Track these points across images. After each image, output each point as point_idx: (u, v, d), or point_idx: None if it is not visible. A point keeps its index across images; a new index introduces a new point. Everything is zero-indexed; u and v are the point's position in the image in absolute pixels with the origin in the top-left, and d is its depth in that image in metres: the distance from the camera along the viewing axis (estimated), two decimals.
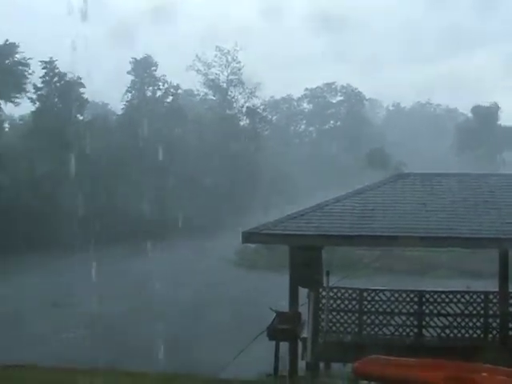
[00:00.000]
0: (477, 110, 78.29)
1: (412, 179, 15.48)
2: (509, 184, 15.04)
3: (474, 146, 72.03)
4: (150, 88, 75.76)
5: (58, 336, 21.85)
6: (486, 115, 75.08)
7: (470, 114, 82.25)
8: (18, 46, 65.52)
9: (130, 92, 76.01)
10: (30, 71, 67.09)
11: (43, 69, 64.13)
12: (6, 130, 67.56)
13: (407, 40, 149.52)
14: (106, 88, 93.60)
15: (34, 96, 64.73)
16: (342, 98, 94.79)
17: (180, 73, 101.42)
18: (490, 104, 77.51)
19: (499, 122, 78.33)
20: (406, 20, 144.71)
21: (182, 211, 57.28)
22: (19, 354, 17.33)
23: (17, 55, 66.40)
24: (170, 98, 75.81)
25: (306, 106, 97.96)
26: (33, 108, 65.05)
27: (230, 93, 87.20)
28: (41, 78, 64.31)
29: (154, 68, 74.94)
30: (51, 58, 64.11)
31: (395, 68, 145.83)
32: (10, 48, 65.78)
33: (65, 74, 64.31)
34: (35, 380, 12.00)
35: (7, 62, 65.95)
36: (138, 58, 74.58)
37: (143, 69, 74.27)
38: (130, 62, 74.85)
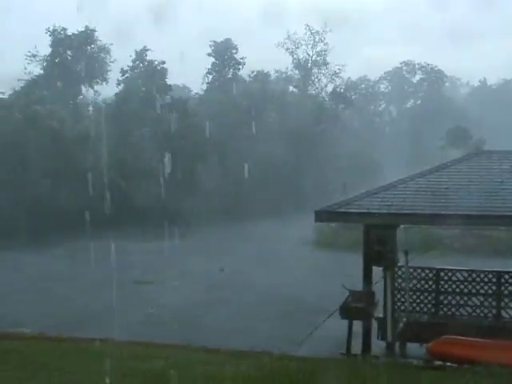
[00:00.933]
0: None
1: (488, 157, 15.15)
2: None
3: None
4: (231, 70, 76.34)
5: None
6: None
7: None
8: (96, 31, 67.10)
9: (211, 74, 76.82)
10: (112, 59, 68.88)
11: (135, 55, 65.65)
12: (90, 112, 69.26)
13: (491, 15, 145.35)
14: (188, 72, 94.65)
15: (120, 78, 66.31)
16: (421, 76, 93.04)
17: (268, 52, 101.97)
18: None
19: None
20: None
21: (267, 192, 57.82)
22: None
23: (98, 42, 68.14)
24: (252, 80, 76.32)
25: (385, 85, 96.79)
26: (116, 91, 66.60)
27: (313, 73, 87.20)
28: (130, 64, 65.90)
29: (234, 51, 75.50)
30: (145, 46, 65.57)
31: (478, 44, 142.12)
32: (90, 35, 67.47)
33: (151, 61, 65.65)
34: (109, 353, 12.36)
35: (89, 48, 67.68)
36: (218, 41, 75.22)
37: (224, 51, 74.92)
38: (210, 45, 75.54)
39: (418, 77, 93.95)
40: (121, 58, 67.82)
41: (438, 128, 71.29)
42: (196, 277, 27.11)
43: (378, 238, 13.51)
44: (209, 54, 76.08)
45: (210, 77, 77.13)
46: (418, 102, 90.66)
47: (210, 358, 12.59)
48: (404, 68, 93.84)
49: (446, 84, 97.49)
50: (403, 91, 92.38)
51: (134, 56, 66.13)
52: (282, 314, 20.42)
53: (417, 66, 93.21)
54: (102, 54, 68.96)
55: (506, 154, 15.29)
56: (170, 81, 66.50)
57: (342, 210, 13.41)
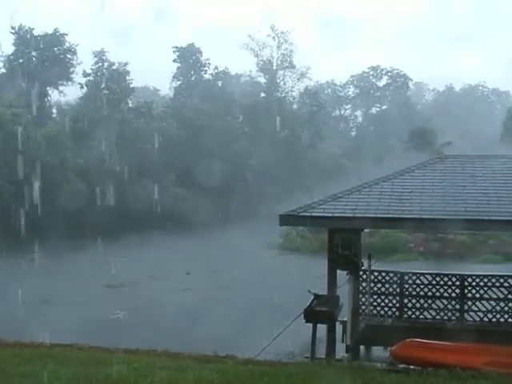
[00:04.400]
0: None
1: (452, 161, 15.25)
2: None
3: None
4: (196, 74, 76.23)
5: None
6: None
7: None
8: (66, 35, 66.67)
9: (177, 78, 76.73)
10: (78, 61, 68.42)
11: (95, 57, 65.26)
12: (54, 115, 68.68)
13: (455, 22, 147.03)
14: (155, 74, 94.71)
15: (83, 81, 65.92)
16: (388, 81, 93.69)
17: (231, 55, 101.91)
18: None
19: None
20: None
21: (234, 197, 57.73)
22: None
23: (65, 44, 67.66)
24: (219, 82, 76.23)
25: (351, 90, 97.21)
26: (80, 94, 66.20)
27: (279, 75, 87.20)
28: (91, 66, 65.50)
29: (198, 54, 75.38)
30: (102, 48, 65.28)
31: (443, 50, 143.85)
32: (58, 37, 66.96)
33: (112, 63, 65.30)
34: (76, 359, 12.21)
35: (56, 50, 67.16)
36: (183, 46, 75.18)
37: (188, 56, 74.82)
38: (174, 51, 75.44)
39: (384, 81, 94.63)
40: (87, 61, 67.55)
41: (403, 132, 71.91)
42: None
43: (342, 242, 13.51)
44: (174, 61, 76.05)
45: (176, 80, 77.04)
46: (384, 107, 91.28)
47: (172, 362, 12.45)
48: (371, 73, 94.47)
49: (412, 89, 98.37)
50: (369, 96, 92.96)
51: (96, 59, 65.83)
52: (246, 317, 20.39)
53: (384, 71, 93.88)
54: (68, 55, 68.36)
55: (469, 159, 15.44)
56: (136, 83, 66.49)
57: (307, 213, 13.38)
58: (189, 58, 74.92)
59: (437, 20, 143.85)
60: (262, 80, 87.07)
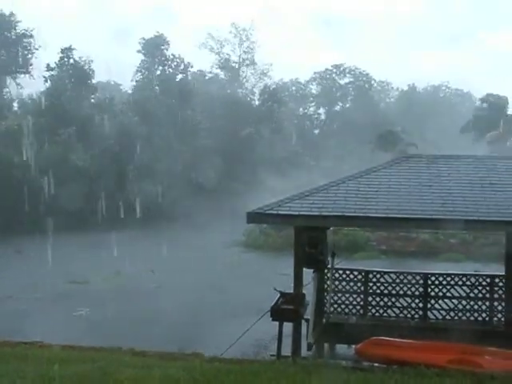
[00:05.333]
0: (488, 97, 77.92)
1: (417, 161, 15.40)
2: None
3: (485, 132, 71.52)
4: (161, 67, 75.49)
5: None
6: (497, 103, 74.68)
7: (479, 101, 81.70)
8: (20, 21, 65.25)
9: (141, 72, 75.85)
10: (37, 46, 66.89)
11: (61, 53, 64.18)
12: (15, 109, 67.56)
13: (421, 24, 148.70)
14: (118, 68, 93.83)
15: (47, 75, 64.81)
16: (351, 79, 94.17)
17: (193, 52, 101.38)
18: (500, 94, 77.13)
19: (509, 111, 77.77)
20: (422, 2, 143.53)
21: (195, 195, 57.42)
22: None
23: (20, 28, 66.16)
24: (180, 76, 75.52)
25: (314, 88, 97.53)
26: (42, 88, 65.18)
27: (241, 73, 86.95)
28: (57, 62, 64.41)
29: (164, 47, 74.60)
30: (70, 45, 64.27)
31: (407, 51, 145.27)
32: (13, 20, 65.57)
33: (77, 60, 64.40)
34: (40, 357, 12.02)
35: (11, 33, 65.70)
36: (148, 38, 74.31)
37: (154, 48, 73.99)
38: (140, 43, 74.64)
39: (347, 80, 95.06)
40: (48, 52, 66.29)
41: (367, 131, 72.41)
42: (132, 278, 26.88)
43: (308, 240, 13.55)
44: (138, 51, 75.10)
45: (140, 74, 76.18)
46: (347, 105, 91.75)
47: (138, 360, 12.35)
48: (334, 71, 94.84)
49: (376, 87, 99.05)
50: (332, 94, 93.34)
51: (60, 53, 64.78)
52: (211, 315, 20.35)
53: (347, 70, 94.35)
54: (24, 40, 66.81)
55: (434, 159, 15.60)
56: (99, 78, 65.72)
57: (274, 211, 13.39)
58: (154, 50, 74.06)
59: (401, 20, 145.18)
60: (225, 77, 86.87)
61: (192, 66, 77.78)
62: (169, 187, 55.27)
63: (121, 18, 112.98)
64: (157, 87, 71.65)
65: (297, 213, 13.30)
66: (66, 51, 64.64)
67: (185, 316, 20.16)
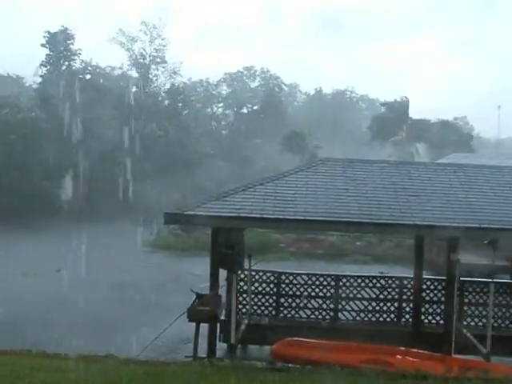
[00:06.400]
0: (390, 102, 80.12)
1: (333, 165, 15.65)
2: (427, 171, 15.44)
3: (389, 136, 73.60)
4: (66, 63, 73.78)
5: None
6: (399, 108, 76.88)
7: (382, 106, 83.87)
8: None
9: (45, 66, 73.89)
10: None
11: None
12: None
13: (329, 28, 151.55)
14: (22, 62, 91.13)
15: None
16: (260, 82, 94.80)
17: (103, 47, 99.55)
18: (401, 98, 79.32)
19: (410, 115, 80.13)
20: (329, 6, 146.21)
21: (100, 193, 56.39)
22: None
23: None
24: (86, 71, 74.05)
25: (224, 89, 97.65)
26: None
27: (152, 70, 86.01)
28: None
29: (70, 42, 72.92)
30: None
31: (315, 55, 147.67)
32: None
33: None
34: None
35: None
36: (53, 31, 72.45)
37: (59, 42, 72.14)
38: (44, 36, 72.65)
39: (257, 82, 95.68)
40: None
41: (275, 133, 73.14)
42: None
43: (226, 242, 13.53)
44: (42, 45, 73.09)
45: (45, 69, 74.22)
46: (256, 107, 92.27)
47: (51, 363, 12.03)
48: (245, 73, 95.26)
49: (285, 90, 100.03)
50: (242, 95, 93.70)
51: None
52: (124, 316, 20.06)
53: (257, 72, 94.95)
54: None
55: (350, 163, 15.89)
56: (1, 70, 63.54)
57: (192, 212, 13.31)
58: (60, 44, 72.19)
59: (310, 23, 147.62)
60: (134, 74, 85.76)
61: (97, 63, 76.51)
62: (75, 184, 54.14)
63: (28, 9, 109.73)
64: (62, 82, 69.99)
65: (215, 214, 13.26)
66: None
67: (91, 317, 19.80)
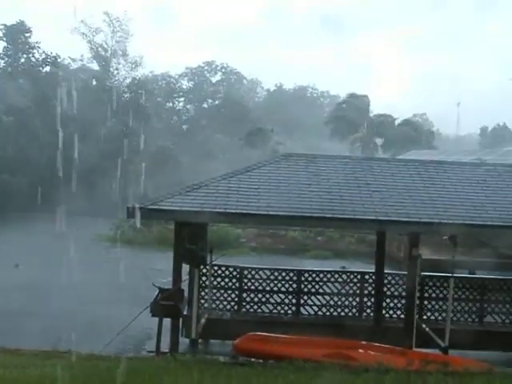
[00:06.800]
0: (351, 98, 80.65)
1: (296, 160, 15.70)
2: (389, 167, 15.57)
3: (350, 133, 74.11)
4: (25, 56, 72.69)
5: None
6: (360, 104, 77.43)
7: (343, 102, 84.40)
8: None
9: (2, 59, 72.80)
10: None
11: None
12: None
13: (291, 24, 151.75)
14: None
15: None
16: (221, 77, 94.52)
17: (65, 39, 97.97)
18: (362, 95, 79.87)
19: (371, 112, 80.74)
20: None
21: (57, 188, 55.55)
22: None
23: None
24: (47, 64, 72.93)
25: (185, 83, 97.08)
26: None
27: (113, 63, 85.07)
28: None
29: (28, 35, 71.87)
30: None
31: (278, 50, 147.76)
32: None
33: None
34: None
35: None
36: (10, 24, 71.34)
37: (16, 35, 71.04)
38: (1, 29, 71.53)
39: (218, 77, 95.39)
40: None
41: (236, 128, 73.05)
42: None
43: (189, 236, 13.51)
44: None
45: (2, 61, 73.06)
46: (217, 102, 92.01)
47: (11, 359, 11.88)
48: (205, 67, 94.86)
49: (246, 85, 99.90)
50: (203, 90, 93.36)
51: None
52: (84, 310, 19.89)
53: (218, 67, 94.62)
54: None
55: (313, 158, 15.95)
56: None
57: (155, 206, 13.25)
58: (17, 37, 71.08)
59: (273, 21, 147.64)
60: (95, 67, 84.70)
61: (59, 56, 75.33)
62: (36, 179, 53.42)
63: None
64: (21, 76, 68.95)
65: (178, 208, 13.22)
66: None
67: (50, 313, 19.61)
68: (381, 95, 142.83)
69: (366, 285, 17.70)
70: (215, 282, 17.73)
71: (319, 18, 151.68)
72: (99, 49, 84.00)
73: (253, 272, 18.03)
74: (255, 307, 17.89)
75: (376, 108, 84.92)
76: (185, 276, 14.69)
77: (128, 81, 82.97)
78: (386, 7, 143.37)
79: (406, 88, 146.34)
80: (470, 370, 12.13)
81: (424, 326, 15.30)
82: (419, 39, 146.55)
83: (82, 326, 17.53)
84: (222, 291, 17.87)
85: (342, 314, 17.71)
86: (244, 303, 17.93)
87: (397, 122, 77.91)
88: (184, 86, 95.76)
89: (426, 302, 17.56)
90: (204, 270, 16.75)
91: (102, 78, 79.75)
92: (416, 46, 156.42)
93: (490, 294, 17.82)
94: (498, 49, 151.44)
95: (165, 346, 13.89)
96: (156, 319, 13.64)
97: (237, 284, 17.94)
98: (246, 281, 17.93)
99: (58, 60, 75.14)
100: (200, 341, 16.93)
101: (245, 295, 17.92)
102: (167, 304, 13.24)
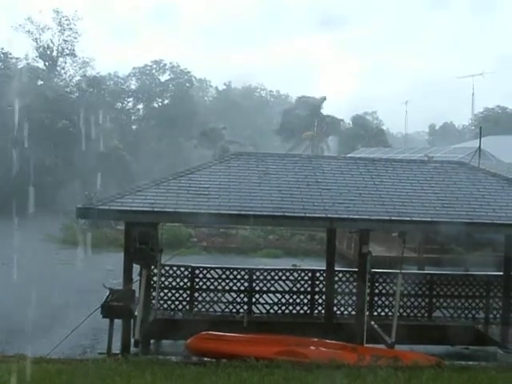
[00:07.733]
0: (302, 98, 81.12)
1: (247, 159, 15.70)
2: (338, 166, 15.69)
3: (300, 132, 74.54)
4: None
5: None
6: (310, 104, 77.89)
7: (294, 102, 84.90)
8: None
9: None
10: None
11: None
12: None
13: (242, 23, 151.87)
14: None
15: None
16: (170, 76, 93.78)
17: (9, 36, 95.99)
18: (313, 94, 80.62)
19: (322, 111, 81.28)
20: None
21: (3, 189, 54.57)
22: None
23: None
24: None
25: (133, 83, 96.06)
26: None
27: (60, 63, 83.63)
28: None
29: None
30: None
31: (227, 49, 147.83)
32: None
33: None
34: None
35: None
36: None
37: None
38: None
39: (167, 76, 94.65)
40: None
41: (186, 128, 72.75)
42: None
43: (139, 236, 13.40)
44: None
45: None
46: (166, 102, 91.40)
47: None
48: (154, 66, 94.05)
49: (196, 85, 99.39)
50: (152, 90, 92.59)
51: None
52: (35, 315, 19.55)
53: (167, 66, 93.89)
54: None
55: (262, 157, 15.97)
56: None
57: (105, 206, 13.11)
58: None
59: (225, 20, 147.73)
60: (42, 66, 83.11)
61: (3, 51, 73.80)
62: None
63: None
64: None
65: (129, 208, 13.11)
66: None
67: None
68: (331, 95, 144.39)
69: (317, 282, 17.82)
70: (167, 282, 17.65)
71: (268, 18, 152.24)
72: (45, 47, 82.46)
73: (204, 271, 17.97)
74: (207, 306, 17.85)
75: (326, 107, 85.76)
76: (136, 277, 14.59)
77: (76, 79, 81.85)
78: (333, 7, 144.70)
79: (355, 87, 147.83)
80: (419, 364, 12.35)
81: (372, 322, 15.47)
82: (369, 39, 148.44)
83: (27, 330, 17.24)
84: (174, 291, 17.79)
85: (294, 311, 17.81)
86: (196, 303, 17.88)
87: (347, 121, 78.68)
88: (133, 86, 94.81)
89: (376, 299, 17.76)
90: (155, 270, 16.67)
91: (48, 78, 78.43)
92: (365, 45, 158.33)
93: (439, 289, 18.13)
94: (446, 47, 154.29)
95: (116, 348, 13.77)
96: (107, 320, 13.52)
97: (188, 284, 17.88)
98: (197, 280, 17.87)
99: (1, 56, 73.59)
100: (152, 341, 16.87)
101: (196, 295, 17.87)
102: (118, 305, 13.12)
